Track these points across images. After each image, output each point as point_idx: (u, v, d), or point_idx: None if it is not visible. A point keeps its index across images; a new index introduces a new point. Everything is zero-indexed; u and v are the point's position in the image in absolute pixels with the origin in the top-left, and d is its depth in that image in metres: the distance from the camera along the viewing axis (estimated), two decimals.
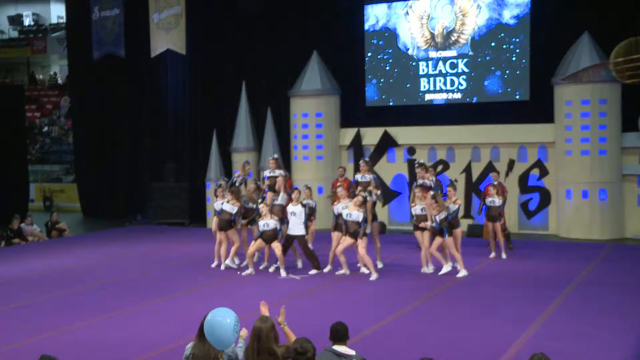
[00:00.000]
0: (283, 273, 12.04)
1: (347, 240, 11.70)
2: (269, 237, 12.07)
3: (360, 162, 13.37)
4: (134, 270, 12.95)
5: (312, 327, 7.74)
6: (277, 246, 12.07)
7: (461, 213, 16.87)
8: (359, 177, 13.09)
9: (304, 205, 12.17)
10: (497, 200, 13.37)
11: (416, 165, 13.19)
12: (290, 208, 12.27)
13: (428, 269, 12.06)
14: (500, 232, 13.41)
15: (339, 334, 5.47)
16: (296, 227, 12.14)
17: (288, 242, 12.41)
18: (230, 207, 12.71)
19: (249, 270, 12.29)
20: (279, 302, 10.16)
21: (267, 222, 12.02)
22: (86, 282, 11.87)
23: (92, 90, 22.11)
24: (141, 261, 13.96)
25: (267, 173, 13.76)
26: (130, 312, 9.79)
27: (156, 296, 10.71)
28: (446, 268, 11.83)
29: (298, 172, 18.34)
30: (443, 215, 11.57)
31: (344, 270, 12.06)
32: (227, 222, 12.68)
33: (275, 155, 13.92)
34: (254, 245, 12.22)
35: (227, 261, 12.79)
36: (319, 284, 11.39)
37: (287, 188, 13.29)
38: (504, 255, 13.39)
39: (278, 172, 13.39)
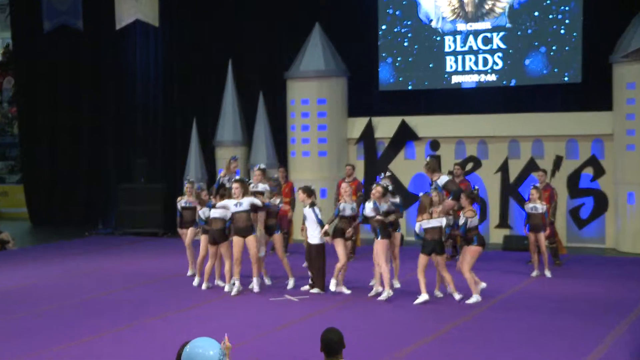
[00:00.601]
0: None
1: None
2: (241, 228, 12.13)
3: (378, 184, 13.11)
4: (96, 290, 13.04)
5: None
6: (252, 242, 12.17)
7: (495, 222, 17.08)
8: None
9: (312, 205, 12.28)
10: (539, 206, 13.44)
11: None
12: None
13: (439, 293, 12.15)
14: (543, 244, 13.49)
15: (333, 345, 5.36)
16: (310, 233, 12.34)
17: (310, 251, 12.53)
18: (222, 212, 12.49)
19: (236, 287, 12.39)
20: (273, 329, 10.27)
21: (240, 202, 12.12)
22: (36, 305, 11.95)
23: (42, 70, 22.20)
24: (104, 279, 14.06)
25: (251, 187, 13.62)
26: (91, 342, 9.87)
27: (123, 322, 10.80)
28: (423, 297, 11.73)
29: (297, 171, 18.45)
30: (430, 224, 11.62)
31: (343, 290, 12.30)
32: (219, 233, 12.54)
33: (262, 166, 13.67)
34: (234, 248, 12.29)
35: (226, 287, 12.59)
36: (323, 308, 11.49)
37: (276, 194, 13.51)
38: (548, 274, 13.47)
39: (262, 186, 13.11)
